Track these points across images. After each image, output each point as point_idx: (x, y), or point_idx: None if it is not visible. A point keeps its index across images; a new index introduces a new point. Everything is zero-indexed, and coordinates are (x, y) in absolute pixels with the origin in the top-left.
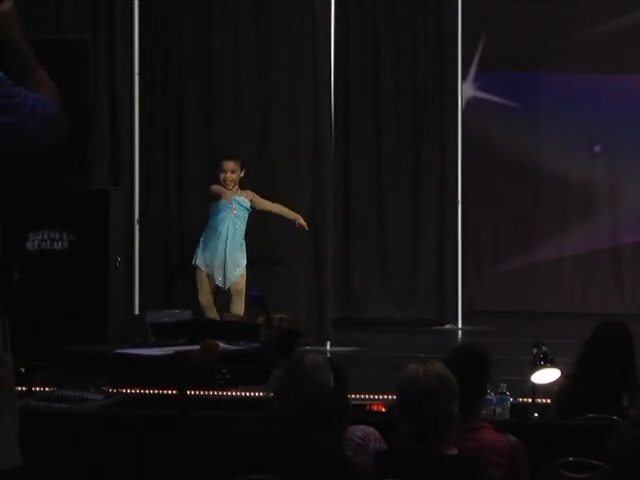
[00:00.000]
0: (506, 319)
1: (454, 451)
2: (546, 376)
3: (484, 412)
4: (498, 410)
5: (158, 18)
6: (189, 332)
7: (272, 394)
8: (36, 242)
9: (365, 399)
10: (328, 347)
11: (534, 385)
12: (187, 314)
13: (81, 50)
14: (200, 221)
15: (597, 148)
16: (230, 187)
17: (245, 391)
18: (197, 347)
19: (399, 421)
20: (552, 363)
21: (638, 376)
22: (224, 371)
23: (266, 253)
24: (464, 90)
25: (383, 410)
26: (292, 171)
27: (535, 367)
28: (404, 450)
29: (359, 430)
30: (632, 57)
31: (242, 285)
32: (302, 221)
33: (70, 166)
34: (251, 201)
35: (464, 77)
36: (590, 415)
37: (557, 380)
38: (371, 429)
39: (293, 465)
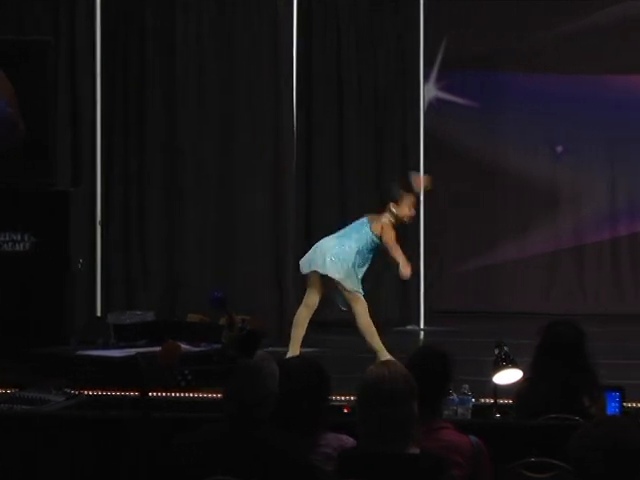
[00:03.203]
0: (468, 319)
1: (416, 451)
2: (508, 376)
3: (446, 412)
4: (460, 410)
5: (120, 19)
6: (151, 333)
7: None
8: None
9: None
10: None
11: (496, 385)
12: (149, 315)
13: (42, 51)
14: (162, 222)
15: (559, 148)
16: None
17: (208, 392)
18: (159, 348)
19: (361, 421)
20: (514, 364)
21: (597, 374)
22: (186, 372)
23: (227, 253)
24: (426, 91)
25: (346, 411)
26: (253, 171)
27: (497, 367)
28: (366, 450)
29: (337, 439)
30: (595, 57)
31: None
32: (403, 270)
33: (31, 167)
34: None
35: (426, 78)
36: (551, 415)
37: (518, 381)
38: (350, 440)
39: (252, 465)
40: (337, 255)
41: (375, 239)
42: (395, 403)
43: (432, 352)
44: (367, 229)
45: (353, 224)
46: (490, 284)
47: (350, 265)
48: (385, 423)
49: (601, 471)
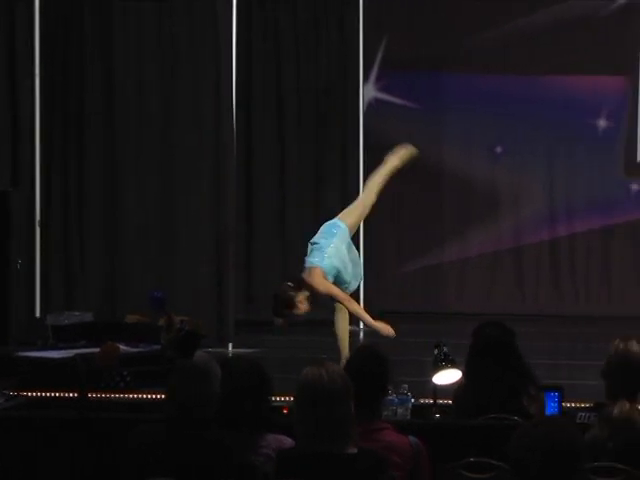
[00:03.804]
0: (409, 320)
1: (354, 450)
2: (447, 377)
3: (386, 413)
4: (400, 411)
5: (59, 19)
6: (90, 334)
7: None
8: None
9: None
10: (230, 349)
11: (435, 386)
12: (87, 316)
13: None
14: (101, 223)
15: (499, 149)
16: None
17: (147, 393)
18: (98, 349)
19: (299, 422)
20: (453, 364)
21: (532, 373)
22: (125, 373)
23: (167, 254)
24: (366, 92)
25: (285, 412)
26: (194, 173)
27: (436, 368)
28: (304, 450)
29: (277, 440)
30: (533, 58)
31: None
32: None
33: None
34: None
35: (366, 79)
36: (491, 415)
37: (458, 381)
38: (289, 440)
39: (192, 466)
40: None
41: None
42: (332, 403)
43: (370, 353)
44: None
45: None
46: (431, 285)
47: None
48: (323, 423)
49: (539, 471)
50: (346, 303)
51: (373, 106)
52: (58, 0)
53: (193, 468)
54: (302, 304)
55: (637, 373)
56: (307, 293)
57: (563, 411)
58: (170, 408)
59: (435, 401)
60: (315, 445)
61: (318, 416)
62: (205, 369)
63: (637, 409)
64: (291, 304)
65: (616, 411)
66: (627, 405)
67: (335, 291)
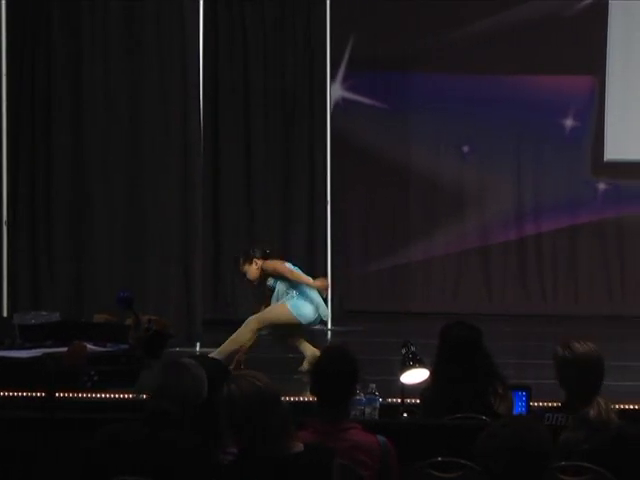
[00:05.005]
0: (376, 319)
1: (300, 448)
2: (415, 376)
3: (353, 412)
4: (367, 410)
5: (26, 20)
6: (57, 334)
7: (148, 394)
8: None
9: None
10: (198, 348)
11: (403, 385)
12: (54, 316)
13: None
14: (69, 222)
15: (466, 149)
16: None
17: (114, 393)
18: (65, 349)
19: (241, 431)
20: (421, 363)
21: (499, 372)
22: (92, 373)
23: (135, 254)
24: (333, 91)
25: None
26: (162, 171)
27: (404, 367)
28: (252, 456)
29: None
30: (500, 58)
31: None
32: None
33: None
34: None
35: (333, 78)
36: (458, 415)
37: (425, 380)
38: None
39: (163, 465)
40: None
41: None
42: (276, 406)
43: (339, 352)
44: None
45: None
46: (398, 284)
47: None
48: (269, 428)
49: (508, 470)
50: (289, 275)
51: (340, 105)
52: None
53: (164, 468)
54: (254, 268)
55: (594, 372)
56: (261, 264)
57: (531, 410)
58: (148, 407)
59: (403, 401)
60: (262, 450)
61: (265, 422)
62: (191, 371)
63: (612, 409)
64: (249, 258)
65: (592, 412)
66: (603, 405)
67: (281, 268)
